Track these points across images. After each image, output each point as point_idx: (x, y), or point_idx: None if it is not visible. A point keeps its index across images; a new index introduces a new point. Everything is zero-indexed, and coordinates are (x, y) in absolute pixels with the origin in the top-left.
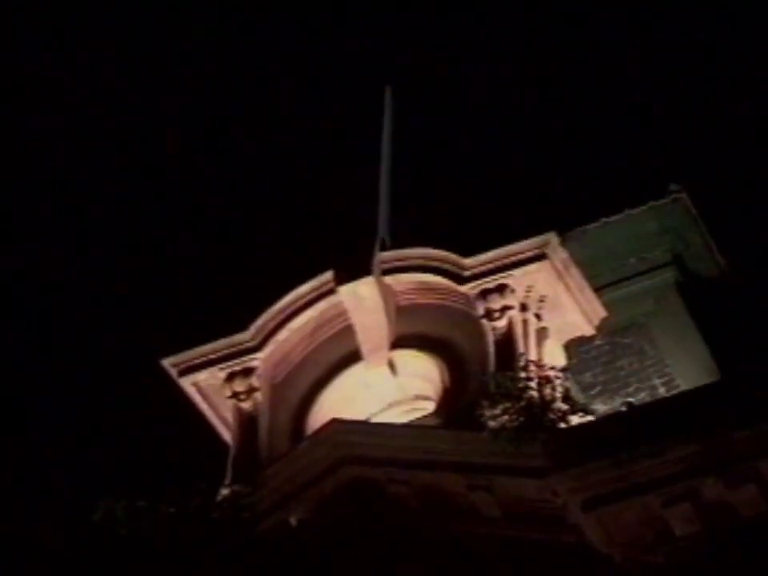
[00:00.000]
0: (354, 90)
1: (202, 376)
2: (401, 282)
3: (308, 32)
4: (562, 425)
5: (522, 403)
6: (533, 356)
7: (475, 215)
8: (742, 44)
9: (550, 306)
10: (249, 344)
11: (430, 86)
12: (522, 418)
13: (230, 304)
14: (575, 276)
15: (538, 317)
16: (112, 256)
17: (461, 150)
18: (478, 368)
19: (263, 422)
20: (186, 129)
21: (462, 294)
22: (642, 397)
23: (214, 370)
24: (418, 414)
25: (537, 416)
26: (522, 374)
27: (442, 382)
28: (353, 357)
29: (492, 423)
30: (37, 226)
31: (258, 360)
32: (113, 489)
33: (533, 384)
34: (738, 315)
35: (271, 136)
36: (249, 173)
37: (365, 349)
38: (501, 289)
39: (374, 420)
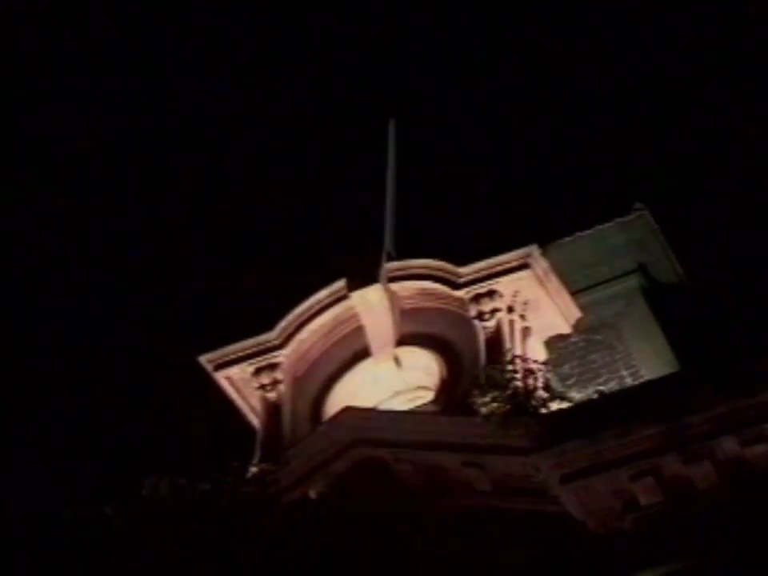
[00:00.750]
0: (364, 124)
1: (233, 370)
2: (404, 288)
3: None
4: (543, 410)
5: (509, 392)
6: (518, 351)
7: (468, 230)
8: (691, 80)
9: (532, 308)
10: (273, 343)
11: (428, 122)
12: (508, 405)
13: (256, 308)
14: (554, 282)
15: (522, 317)
16: (156, 269)
17: (456, 176)
18: (471, 362)
19: (286, 410)
20: (217, 137)
21: (457, 298)
22: (612, 386)
23: (243, 365)
24: (420, 402)
25: (521, 403)
26: (509, 367)
27: (440, 374)
28: (363, 353)
29: (483, 409)
30: (87, 225)
31: (281, 356)
32: (156, 469)
33: (518, 375)
34: (695, 315)
35: (291, 161)
36: (276, 199)
37: (373, 346)
38: (491, 294)
39: (382, 407)
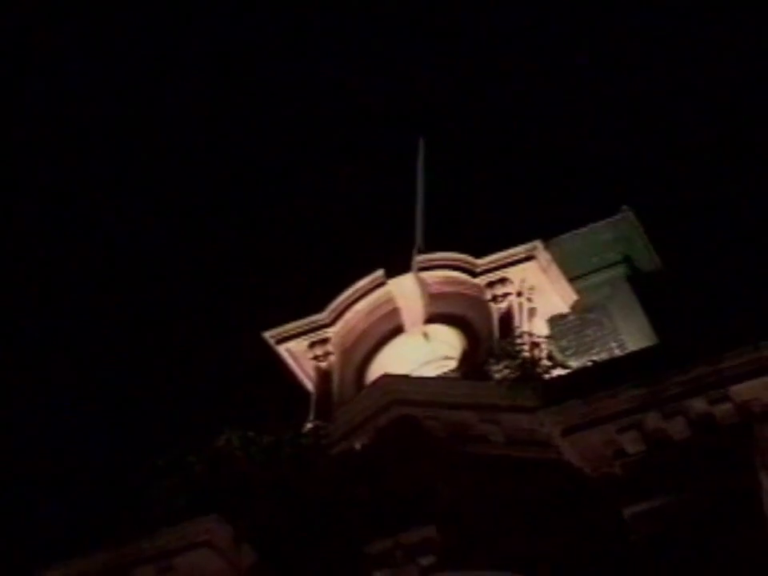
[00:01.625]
0: (392, 146)
1: (292, 344)
2: (432, 276)
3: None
4: (547, 376)
5: (518, 361)
6: (525, 328)
7: (483, 227)
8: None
9: (537, 292)
10: (325, 321)
11: (449, 140)
12: (518, 372)
13: (311, 292)
14: (554, 271)
15: (528, 300)
16: (226, 258)
17: (474, 181)
18: (487, 336)
19: (335, 377)
20: (278, 139)
21: (475, 284)
22: (603, 356)
23: (300, 340)
24: (445, 370)
25: (528, 370)
26: (518, 341)
27: (462, 346)
28: (398, 330)
29: (497, 375)
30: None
31: (331, 333)
32: (230, 424)
33: (525, 347)
34: (670, 298)
35: (340, 166)
36: (322, 202)
37: (406, 324)
38: (502, 281)
39: (414, 374)
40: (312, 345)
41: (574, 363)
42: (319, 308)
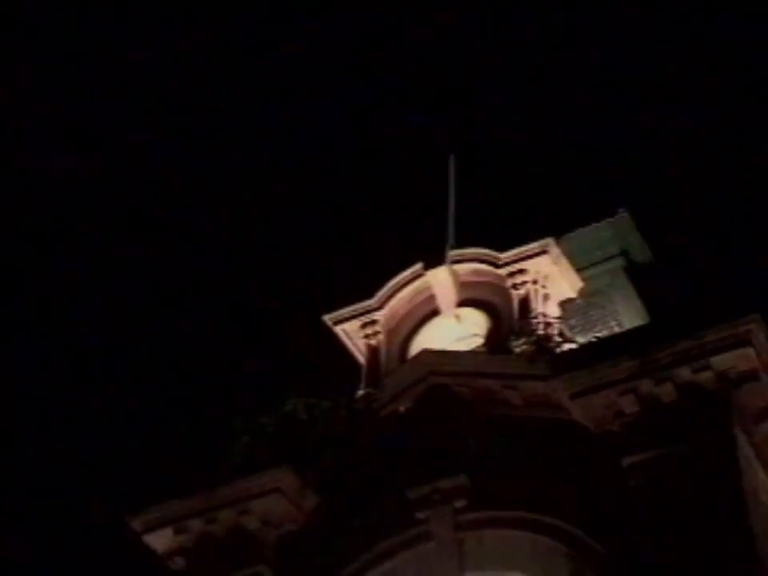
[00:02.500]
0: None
1: (347, 325)
2: (462, 268)
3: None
4: (558, 350)
5: (534, 338)
6: (540, 310)
7: (505, 227)
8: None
9: (549, 280)
10: (374, 306)
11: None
12: (534, 347)
13: (362, 282)
14: (564, 263)
15: (543, 287)
16: (285, 251)
17: (497, 191)
18: (508, 318)
19: (382, 352)
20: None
21: (498, 274)
22: (605, 333)
23: (354, 321)
24: (474, 346)
25: (543, 345)
26: (534, 321)
27: (487, 326)
28: (434, 313)
29: (517, 350)
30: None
31: (379, 315)
32: (296, 392)
33: (540, 327)
34: (660, 284)
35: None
36: (377, 210)
37: (441, 308)
38: (521, 271)
39: (448, 349)
40: (363, 325)
41: (581, 339)
42: (369, 295)
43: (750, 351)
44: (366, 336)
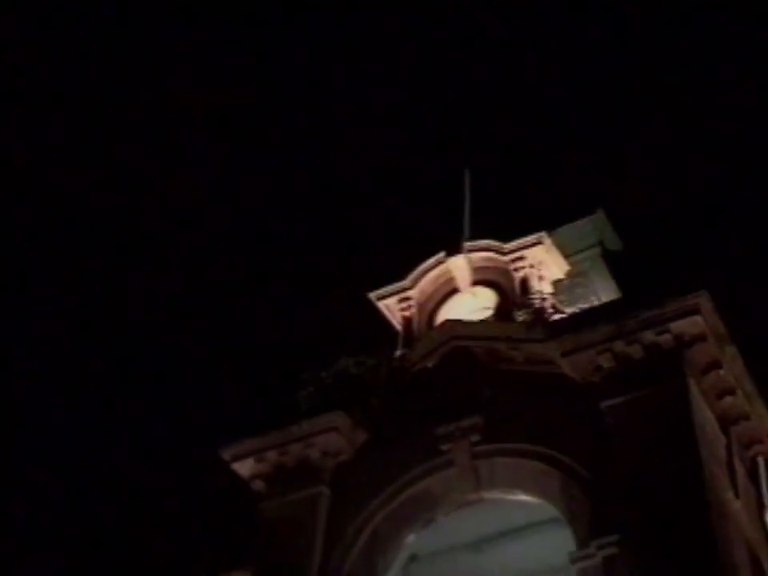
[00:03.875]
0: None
1: (387, 300)
2: (475, 256)
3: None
4: (551, 319)
5: (533, 309)
6: (537, 288)
7: (509, 223)
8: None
9: (543, 265)
10: (408, 286)
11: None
12: (532, 317)
13: (396, 267)
14: (554, 251)
15: (538, 270)
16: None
17: (502, 196)
18: (512, 294)
19: (414, 321)
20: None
21: (504, 261)
22: (586, 305)
23: (393, 298)
24: (485, 316)
25: (540, 315)
26: (532, 297)
27: (496, 301)
28: (454, 291)
29: (519, 319)
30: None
31: (412, 293)
32: (347, 354)
33: (537, 300)
34: (629, 268)
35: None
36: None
37: (460, 287)
38: (521, 258)
39: (465, 319)
40: (399, 301)
41: (568, 310)
42: (403, 277)
43: (699, 319)
44: (402, 309)
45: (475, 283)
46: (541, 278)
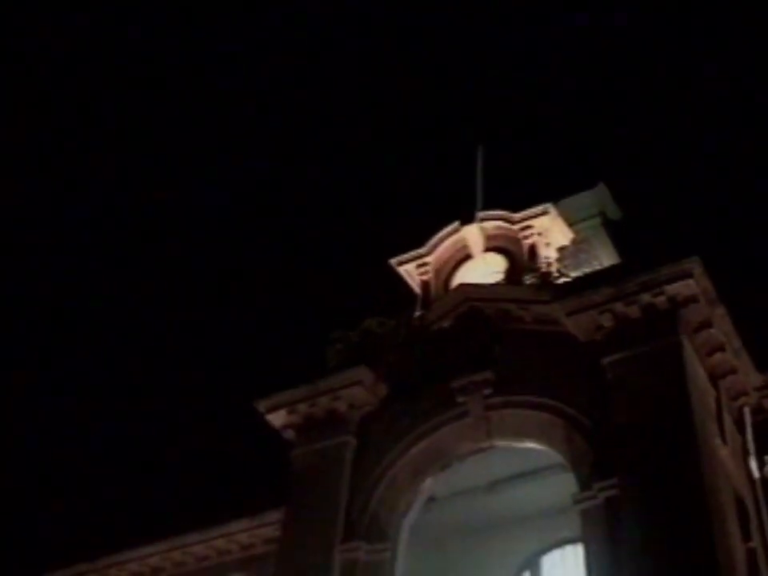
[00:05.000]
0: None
1: (407, 266)
2: (487, 225)
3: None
4: (557, 282)
5: (539, 273)
6: (543, 253)
7: (518, 195)
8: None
9: (549, 233)
10: (425, 252)
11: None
12: (540, 280)
13: (414, 235)
14: (559, 220)
15: (545, 238)
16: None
17: (513, 170)
18: (521, 259)
19: (432, 285)
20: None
21: (513, 229)
22: (588, 270)
23: (412, 263)
24: (497, 280)
25: (546, 279)
26: (539, 262)
27: (506, 265)
28: (468, 257)
29: (528, 282)
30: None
31: (429, 259)
32: (371, 315)
33: (544, 265)
34: (628, 235)
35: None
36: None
37: (473, 253)
38: (529, 227)
39: (478, 282)
40: (418, 266)
41: (572, 274)
42: (422, 244)
43: (691, 282)
44: (420, 274)
45: (487, 250)
46: (547, 244)
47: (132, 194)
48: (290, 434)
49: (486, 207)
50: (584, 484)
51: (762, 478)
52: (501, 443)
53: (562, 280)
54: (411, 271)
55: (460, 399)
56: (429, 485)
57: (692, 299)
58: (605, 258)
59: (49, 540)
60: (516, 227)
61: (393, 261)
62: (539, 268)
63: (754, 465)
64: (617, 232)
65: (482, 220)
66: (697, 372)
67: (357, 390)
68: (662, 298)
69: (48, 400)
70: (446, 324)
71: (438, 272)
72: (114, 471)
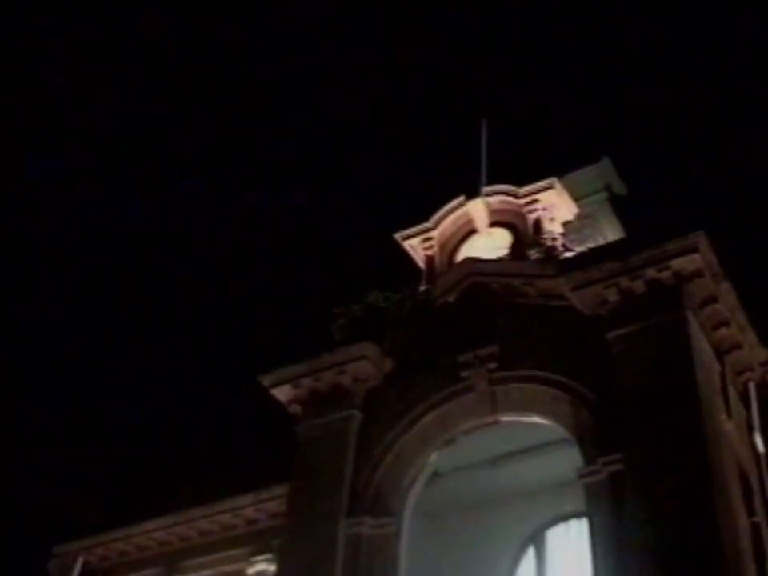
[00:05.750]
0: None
1: (412, 240)
2: (492, 199)
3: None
4: (562, 257)
5: (544, 248)
6: (548, 228)
7: (523, 170)
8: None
9: (554, 207)
10: (430, 227)
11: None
12: (545, 255)
13: (419, 210)
14: (565, 195)
15: (550, 212)
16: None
17: (517, 143)
18: (526, 234)
19: (437, 259)
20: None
21: (518, 204)
22: (593, 245)
23: (418, 237)
24: (502, 254)
25: (551, 254)
26: (545, 236)
27: (511, 240)
28: (473, 231)
29: (533, 257)
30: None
31: (434, 234)
32: (376, 289)
33: (549, 240)
34: (633, 210)
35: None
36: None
37: (478, 227)
38: (534, 201)
39: (483, 257)
40: (423, 241)
41: (578, 249)
42: (426, 219)
43: (697, 257)
44: (425, 248)
45: (492, 224)
46: (552, 219)
47: (137, 155)
48: (295, 409)
49: (490, 182)
50: (589, 459)
51: (767, 453)
52: (506, 418)
53: (567, 255)
54: (416, 246)
55: (465, 374)
56: (434, 459)
57: (697, 274)
58: (610, 232)
59: (55, 515)
60: (521, 202)
61: (397, 235)
62: (544, 243)
63: (758, 440)
64: (622, 207)
65: (487, 194)
66: (702, 347)
67: (362, 365)
68: (667, 273)
69: (52, 371)
70: (450, 299)
71: (442, 247)
72: (119, 446)
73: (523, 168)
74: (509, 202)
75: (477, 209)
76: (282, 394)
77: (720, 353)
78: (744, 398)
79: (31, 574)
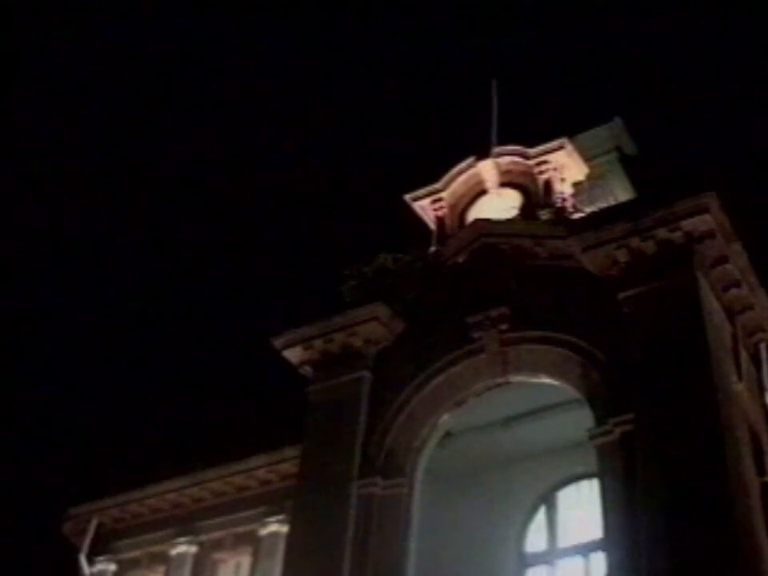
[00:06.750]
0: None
1: (422, 202)
2: (503, 160)
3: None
4: (572, 218)
5: (555, 208)
6: (559, 189)
7: (534, 129)
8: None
9: (565, 168)
10: (440, 188)
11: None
12: (555, 215)
13: (429, 171)
14: (576, 156)
15: (560, 173)
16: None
17: (529, 104)
18: (537, 195)
19: (447, 220)
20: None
21: (529, 164)
22: (604, 205)
23: (428, 199)
24: (512, 215)
25: (561, 215)
26: (555, 197)
27: (521, 201)
28: (483, 192)
29: (543, 218)
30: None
31: (444, 194)
32: (386, 250)
33: (559, 201)
34: (644, 171)
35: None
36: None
37: (489, 188)
38: (545, 162)
39: (493, 218)
40: (433, 202)
41: (588, 210)
42: (436, 180)
43: (708, 217)
44: (435, 209)
45: (502, 185)
46: (563, 180)
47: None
48: (306, 370)
49: (501, 142)
50: (600, 419)
51: None
52: (516, 379)
53: (577, 215)
54: (426, 207)
55: (476, 335)
56: (445, 420)
57: (708, 234)
58: (621, 193)
59: (69, 477)
60: (531, 162)
61: (407, 196)
62: (555, 203)
63: None
64: (633, 167)
65: (497, 155)
66: (713, 308)
67: (373, 326)
68: (678, 234)
69: (71, 337)
70: (461, 260)
71: (452, 207)
72: (134, 408)
73: (534, 128)
74: (519, 163)
75: (487, 169)
76: (293, 355)
77: (731, 314)
78: (755, 358)
79: (46, 535)
